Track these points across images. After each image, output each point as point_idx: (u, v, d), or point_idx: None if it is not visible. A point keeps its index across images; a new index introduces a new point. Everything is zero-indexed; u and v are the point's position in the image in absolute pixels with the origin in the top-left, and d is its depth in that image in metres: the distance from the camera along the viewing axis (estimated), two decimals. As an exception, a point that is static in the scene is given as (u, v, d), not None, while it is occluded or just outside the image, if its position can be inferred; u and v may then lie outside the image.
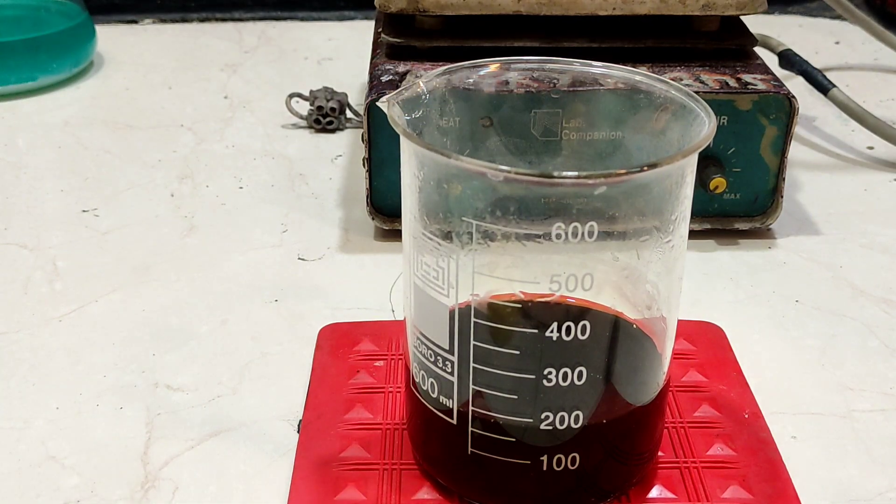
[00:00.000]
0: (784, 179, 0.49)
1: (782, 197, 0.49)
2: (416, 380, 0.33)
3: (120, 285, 0.47)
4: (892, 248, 0.50)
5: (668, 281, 0.31)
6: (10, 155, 0.60)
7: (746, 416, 0.37)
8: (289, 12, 0.85)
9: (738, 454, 0.35)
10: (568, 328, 0.29)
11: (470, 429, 0.31)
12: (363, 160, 0.48)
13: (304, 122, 0.63)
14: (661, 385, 0.32)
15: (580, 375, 0.30)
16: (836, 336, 0.43)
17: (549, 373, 0.30)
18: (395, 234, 0.50)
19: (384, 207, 0.49)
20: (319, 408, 0.37)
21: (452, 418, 0.31)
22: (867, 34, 0.72)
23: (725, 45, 0.51)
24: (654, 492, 0.33)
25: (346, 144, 0.61)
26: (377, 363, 0.39)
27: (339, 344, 0.41)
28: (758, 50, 0.53)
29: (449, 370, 0.31)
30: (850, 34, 0.79)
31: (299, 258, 0.49)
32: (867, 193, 0.56)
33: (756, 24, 0.55)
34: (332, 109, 0.62)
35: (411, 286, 0.32)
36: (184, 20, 0.84)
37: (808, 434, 0.37)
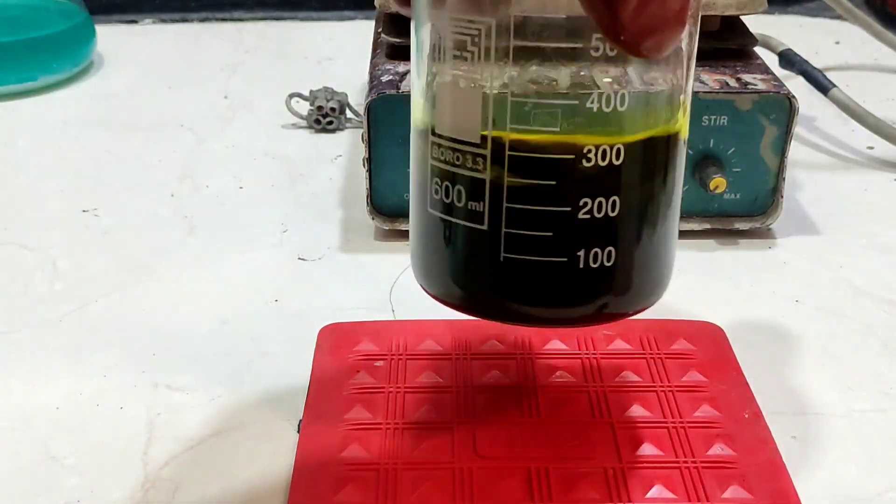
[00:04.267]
0: (784, 179, 0.49)
1: (782, 197, 0.49)
2: (437, 197, 0.30)
3: (120, 285, 0.47)
4: (892, 248, 0.50)
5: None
6: (10, 155, 0.60)
7: (746, 416, 0.37)
8: (289, 12, 0.85)
9: (738, 454, 0.35)
10: (608, 98, 0.28)
11: (503, 230, 0.29)
12: (363, 160, 0.48)
13: (304, 122, 0.63)
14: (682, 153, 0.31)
15: (618, 154, 0.29)
16: (836, 336, 0.43)
17: (588, 151, 0.29)
18: (395, 234, 0.50)
19: (384, 207, 0.49)
20: (319, 408, 0.37)
21: (483, 223, 0.30)
22: (867, 34, 0.72)
23: (725, 45, 0.51)
24: (654, 492, 0.33)
25: (346, 144, 0.61)
26: (377, 363, 0.39)
27: (339, 344, 0.41)
28: (758, 50, 0.53)
29: (480, 167, 0.29)
30: (850, 34, 0.79)
31: (299, 258, 0.49)
32: (867, 193, 0.56)
33: (756, 24, 0.55)
34: (332, 109, 0.62)
35: (431, 90, 0.30)
36: (184, 20, 0.84)
37: (808, 434, 0.37)
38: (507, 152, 0.29)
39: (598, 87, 0.29)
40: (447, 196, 0.30)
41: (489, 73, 0.29)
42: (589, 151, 0.29)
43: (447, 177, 0.30)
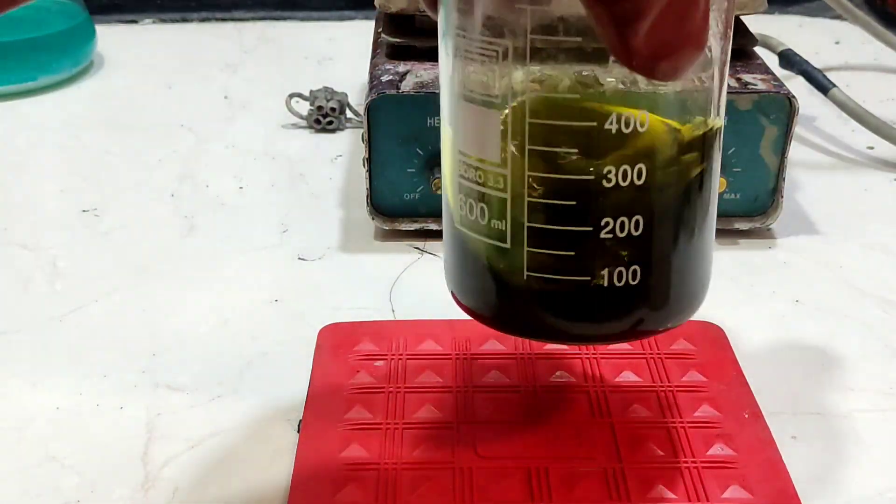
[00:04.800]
0: (784, 179, 0.49)
1: (782, 197, 0.49)
2: (462, 213, 0.31)
3: (120, 285, 0.47)
4: (892, 248, 0.50)
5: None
6: (10, 155, 0.60)
7: (746, 416, 0.37)
8: (289, 12, 0.85)
9: (738, 454, 0.35)
10: (627, 120, 0.28)
11: (525, 249, 0.29)
12: (363, 160, 0.48)
13: (304, 122, 0.63)
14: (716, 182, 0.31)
15: (640, 174, 0.28)
16: (836, 336, 0.43)
17: (609, 172, 0.28)
18: (395, 234, 0.50)
19: (384, 207, 0.49)
20: (319, 408, 0.37)
21: (506, 241, 0.30)
22: (867, 34, 0.72)
23: (725, 45, 0.51)
24: (654, 492, 0.33)
25: (346, 144, 0.61)
26: (377, 363, 0.39)
27: (339, 344, 0.41)
28: (758, 50, 0.53)
29: (501, 186, 0.29)
30: (850, 34, 0.79)
31: (299, 258, 0.49)
32: (867, 193, 0.56)
33: (756, 24, 0.55)
34: (332, 109, 0.62)
35: (459, 108, 0.30)
36: (184, 20, 0.84)
37: (808, 434, 0.37)
38: (527, 172, 0.29)
39: (617, 105, 0.28)
40: (471, 213, 0.30)
41: (507, 91, 0.28)
42: (609, 172, 0.28)
43: (471, 194, 0.30)
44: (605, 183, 0.28)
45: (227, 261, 0.49)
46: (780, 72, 0.56)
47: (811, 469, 0.35)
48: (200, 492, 0.34)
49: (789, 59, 0.61)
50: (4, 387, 0.40)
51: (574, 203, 0.29)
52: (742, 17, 0.53)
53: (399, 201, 0.49)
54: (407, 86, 0.48)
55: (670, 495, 0.33)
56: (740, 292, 0.46)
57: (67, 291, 0.46)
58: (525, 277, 0.30)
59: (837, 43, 0.79)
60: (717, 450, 0.35)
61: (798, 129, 0.54)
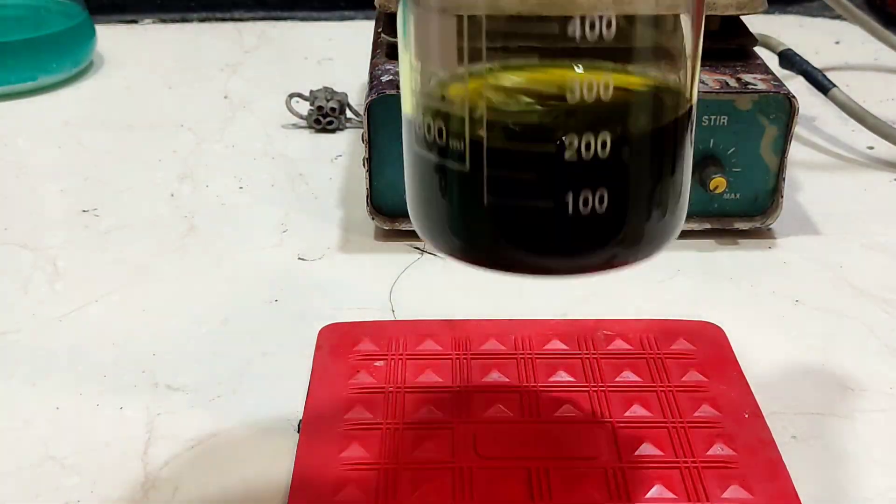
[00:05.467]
0: (784, 179, 0.49)
1: (782, 197, 0.49)
2: (421, 132, 0.29)
3: (120, 285, 0.47)
4: (892, 248, 0.50)
5: None
6: (10, 155, 0.60)
7: (746, 416, 0.37)
8: (289, 12, 0.85)
9: (738, 454, 0.35)
10: (592, 23, 0.26)
11: (486, 171, 0.27)
12: (363, 160, 0.48)
13: (304, 122, 0.63)
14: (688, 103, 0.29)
15: (606, 88, 0.26)
16: (836, 336, 0.43)
17: (573, 90, 0.26)
18: (395, 234, 0.50)
19: (384, 207, 0.49)
20: (319, 408, 0.37)
21: (465, 164, 0.27)
22: (867, 34, 0.72)
23: (725, 45, 0.51)
24: (654, 492, 0.33)
25: (346, 144, 0.61)
26: (377, 363, 0.39)
27: (339, 344, 0.41)
28: (758, 50, 0.53)
29: (459, 103, 0.27)
30: (850, 34, 0.79)
31: (299, 258, 0.49)
32: (867, 193, 0.56)
33: (756, 24, 0.55)
34: (332, 109, 0.62)
35: (418, 16, 0.28)
36: (184, 20, 0.84)
37: (808, 434, 0.37)
38: (487, 86, 0.27)
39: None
40: (429, 133, 0.28)
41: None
42: (573, 90, 0.26)
43: (430, 112, 0.28)
44: (568, 98, 0.26)
45: (227, 261, 0.49)
46: (780, 72, 0.56)
47: (811, 469, 0.35)
48: (200, 492, 0.34)
49: (789, 59, 0.61)
50: (4, 387, 0.40)
51: (535, 120, 0.27)
52: (742, 17, 0.53)
53: (399, 201, 0.49)
54: (407, 86, 0.48)
55: (670, 495, 0.33)
56: (740, 292, 0.46)
57: (67, 291, 0.46)
58: (486, 203, 0.27)
59: (837, 43, 0.79)
60: (717, 450, 0.35)
61: (798, 129, 0.54)
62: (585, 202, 0.27)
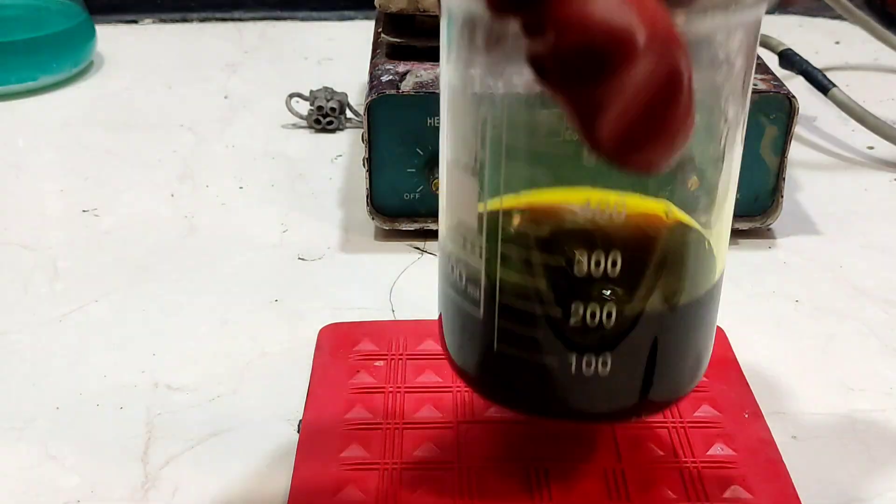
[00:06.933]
0: (784, 179, 0.49)
1: (782, 197, 0.49)
2: (447, 270, 0.30)
3: (120, 285, 0.47)
4: (892, 248, 0.50)
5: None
6: (10, 155, 0.60)
7: (746, 416, 0.37)
8: (289, 12, 0.85)
9: (738, 454, 0.35)
10: (602, 209, 0.27)
11: (497, 321, 0.29)
12: (363, 160, 0.48)
13: (304, 122, 0.63)
14: (713, 280, 0.30)
15: (614, 264, 0.27)
16: (836, 336, 0.43)
17: (580, 260, 0.27)
18: (396, 234, 0.50)
19: (384, 207, 0.49)
20: (319, 408, 0.37)
21: (479, 309, 0.29)
22: (867, 34, 0.72)
23: (725, 45, 0.51)
24: (654, 492, 0.33)
25: (346, 144, 0.61)
26: (377, 363, 0.39)
27: (339, 344, 0.41)
28: (758, 50, 0.53)
29: (477, 253, 0.29)
30: (850, 34, 0.79)
31: (299, 258, 0.49)
32: (867, 193, 0.56)
33: (756, 24, 0.55)
34: (332, 109, 0.62)
35: (445, 167, 0.30)
36: (184, 20, 0.84)
37: (808, 434, 0.37)
38: (500, 247, 0.28)
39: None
40: (452, 272, 0.30)
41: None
42: (580, 261, 0.28)
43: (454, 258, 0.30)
44: (575, 272, 0.28)
45: (227, 261, 0.49)
46: (780, 72, 0.56)
47: (811, 469, 0.35)
48: (200, 492, 0.34)
49: (789, 59, 0.61)
50: (4, 387, 0.40)
51: (544, 287, 0.28)
52: (742, 17, 0.53)
53: (399, 201, 0.49)
54: (407, 86, 0.48)
55: (670, 495, 0.33)
56: (740, 292, 0.46)
57: (67, 291, 0.46)
58: (496, 349, 0.30)
59: (837, 43, 0.79)
60: (717, 450, 0.35)
61: (798, 129, 0.54)
62: (588, 364, 0.29)
